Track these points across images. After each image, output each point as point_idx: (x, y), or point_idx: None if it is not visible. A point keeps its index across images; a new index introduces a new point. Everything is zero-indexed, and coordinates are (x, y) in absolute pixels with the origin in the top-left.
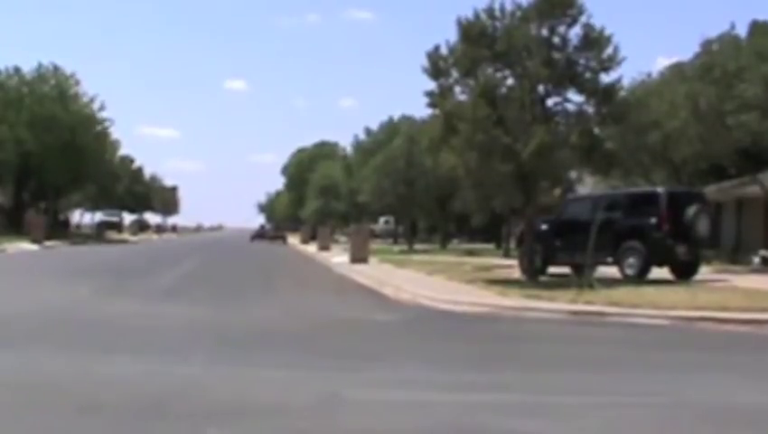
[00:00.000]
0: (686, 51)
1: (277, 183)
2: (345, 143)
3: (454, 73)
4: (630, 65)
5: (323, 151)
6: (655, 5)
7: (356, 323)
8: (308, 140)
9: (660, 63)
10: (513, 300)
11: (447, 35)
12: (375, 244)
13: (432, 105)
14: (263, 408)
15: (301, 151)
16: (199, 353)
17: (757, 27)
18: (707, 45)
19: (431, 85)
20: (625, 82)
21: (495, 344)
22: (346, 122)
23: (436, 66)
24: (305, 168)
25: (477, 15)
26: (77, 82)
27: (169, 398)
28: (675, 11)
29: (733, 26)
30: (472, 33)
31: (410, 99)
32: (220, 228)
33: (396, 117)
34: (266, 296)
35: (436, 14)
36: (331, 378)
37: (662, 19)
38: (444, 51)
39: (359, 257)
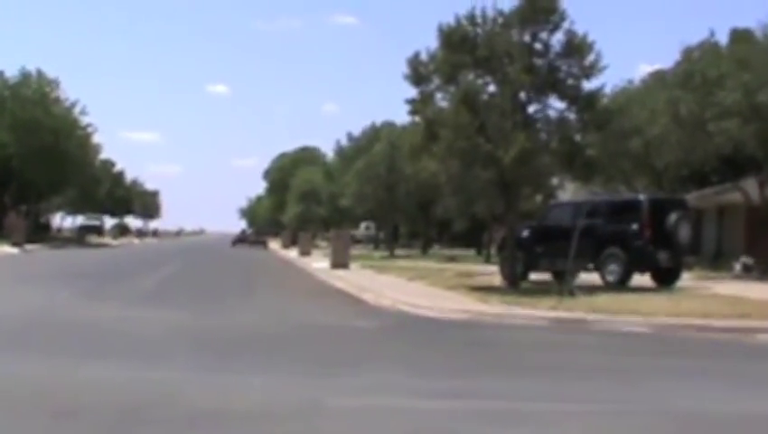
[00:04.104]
0: (667, 59)
1: (259, 187)
2: (327, 148)
3: (436, 80)
4: (612, 72)
5: (305, 156)
6: (637, 13)
7: (336, 329)
8: (290, 145)
9: (642, 70)
10: (494, 307)
11: (431, 41)
12: (356, 250)
13: (413, 112)
14: (243, 414)
15: (283, 156)
16: (178, 359)
17: (737, 34)
18: (687, 53)
19: (413, 92)
20: (607, 89)
21: (476, 351)
22: (328, 127)
23: (417, 72)
24: (287, 173)
25: (458, 21)
26: (59, 86)
27: (147, 404)
28: (657, 18)
29: (713, 33)
30: (453, 39)
31: (393, 104)
32: (201, 232)
33: (378, 122)
34: (245, 301)
35: (420, 20)
36: (311, 384)
37: (644, 26)
38: (424, 57)
39: (339, 262)
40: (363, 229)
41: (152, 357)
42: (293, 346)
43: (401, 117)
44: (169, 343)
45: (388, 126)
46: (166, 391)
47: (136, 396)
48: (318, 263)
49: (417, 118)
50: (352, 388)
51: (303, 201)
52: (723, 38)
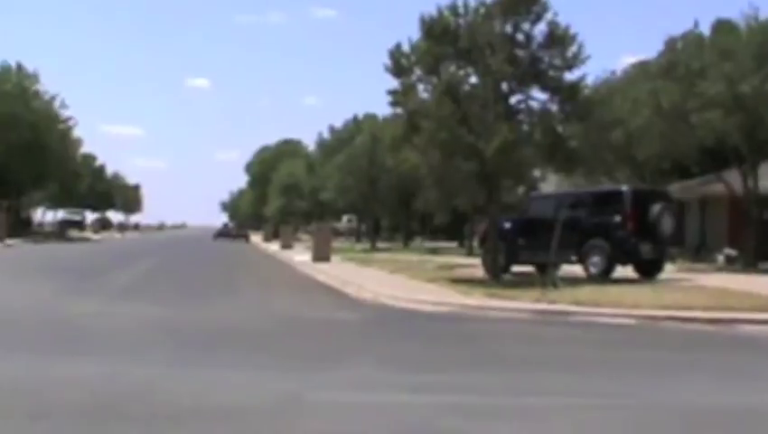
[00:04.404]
0: (651, 49)
1: (241, 181)
2: (309, 141)
3: (417, 71)
4: (594, 63)
5: (287, 149)
6: (620, 4)
7: (318, 322)
8: (272, 138)
9: (625, 61)
10: (476, 299)
11: (412, 34)
12: (338, 243)
13: (395, 103)
14: (222, 410)
15: (264, 149)
16: (158, 354)
17: (721, 25)
18: (670, 43)
19: (394, 83)
20: (589, 80)
21: (459, 345)
22: (310, 120)
23: (399, 64)
24: (269, 166)
25: (440, 12)
26: (38, 80)
27: (126, 400)
28: (640, 10)
29: (696, 24)
30: (435, 30)
31: (375, 97)
32: (183, 226)
33: (360, 115)
34: (227, 295)
35: (401, 12)
36: (292, 379)
37: (627, 17)
38: (406, 48)
39: (321, 255)
40: (345, 222)
41: (131, 352)
42: (273, 340)
43: (383, 109)
44: (149, 338)
45: (370, 118)
46: (146, 386)
47: (115, 392)
48: (300, 256)
49: (399, 110)
50: (333, 382)
51: (284, 194)
52: (706, 29)
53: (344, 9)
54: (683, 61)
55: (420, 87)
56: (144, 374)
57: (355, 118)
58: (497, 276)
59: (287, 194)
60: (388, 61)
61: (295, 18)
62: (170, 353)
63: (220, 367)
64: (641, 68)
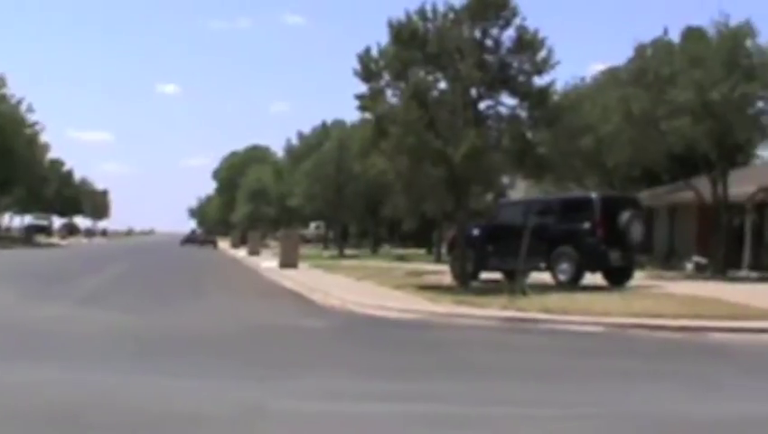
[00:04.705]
0: (620, 57)
1: (209, 187)
2: (278, 147)
3: (386, 76)
4: (563, 70)
5: (255, 155)
6: (589, 13)
7: (283, 329)
8: (240, 144)
9: (594, 69)
10: (444, 306)
11: (381, 39)
12: (306, 249)
13: (363, 108)
14: (183, 419)
15: (233, 155)
16: (120, 361)
17: (690, 33)
18: (640, 50)
19: (363, 89)
20: (559, 87)
21: (426, 352)
22: (279, 127)
23: (368, 68)
24: (237, 172)
25: (409, 17)
26: (5, 83)
27: (85, 408)
28: (608, 18)
29: (666, 32)
30: (403, 34)
31: (344, 104)
32: (151, 232)
33: (329, 121)
34: (192, 301)
35: (370, 18)
36: (255, 388)
37: (596, 26)
38: (375, 53)
39: (288, 262)
40: (313, 228)
41: (92, 359)
42: (238, 348)
43: (352, 116)
44: (111, 344)
45: (339, 125)
46: (106, 394)
47: (75, 400)
48: (267, 263)
49: (368, 115)
50: (298, 391)
51: (252, 200)
52: (676, 36)
53: (314, 16)
54: (653, 67)
55: (389, 92)
56: (105, 381)
57: (323, 125)
58: (465, 283)
59: (255, 201)
60: (357, 67)
61: (264, 24)
62: (133, 359)
63: (182, 375)
64: (611, 74)
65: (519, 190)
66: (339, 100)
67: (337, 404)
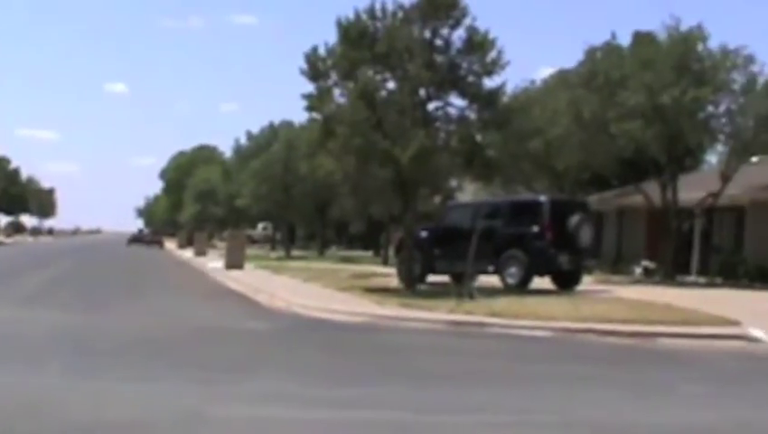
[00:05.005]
0: (570, 62)
1: (156, 187)
2: (226, 147)
3: (333, 75)
4: (513, 74)
5: (203, 155)
6: (538, 17)
7: (226, 332)
8: (189, 144)
9: (544, 73)
10: (391, 309)
11: (330, 39)
12: (253, 250)
13: (310, 108)
14: (118, 426)
15: (180, 155)
16: (56, 364)
17: (640, 37)
18: (590, 53)
19: (311, 88)
20: (509, 89)
21: (372, 356)
22: (227, 127)
23: (315, 68)
24: (184, 172)
25: (357, 15)
26: None
27: (16, 414)
28: (559, 21)
29: (614, 36)
30: (351, 33)
31: (294, 104)
32: (97, 231)
33: (277, 122)
34: (135, 302)
35: (321, 19)
36: (194, 392)
37: (545, 30)
38: (322, 52)
39: (234, 263)
40: (260, 229)
41: (25, 362)
42: (178, 350)
43: (301, 116)
44: (47, 346)
45: (286, 125)
46: (39, 399)
47: (5, 405)
48: (213, 263)
49: (315, 115)
50: (239, 396)
51: (200, 200)
52: (626, 41)
53: (264, 16)
54: (603, 70)
55: (336, 92)
56: (39, 385)
57: (271, 125)
58: (412, 286)
59: (203, 201)
60: (304, 65)
61: (214, 24)
62: (68, 362)
63: (117, 378)
64: (561, 77)
65: (468, 192)
66: (289, 101)
67: (279, 410)
